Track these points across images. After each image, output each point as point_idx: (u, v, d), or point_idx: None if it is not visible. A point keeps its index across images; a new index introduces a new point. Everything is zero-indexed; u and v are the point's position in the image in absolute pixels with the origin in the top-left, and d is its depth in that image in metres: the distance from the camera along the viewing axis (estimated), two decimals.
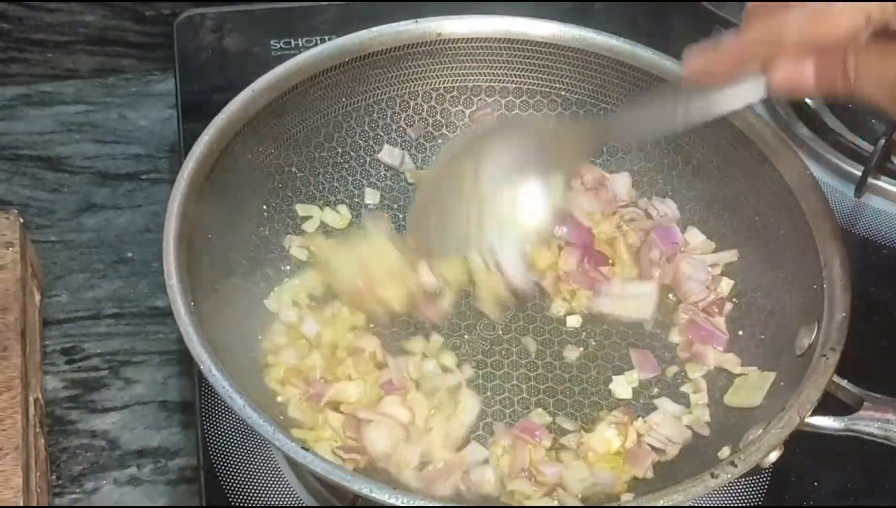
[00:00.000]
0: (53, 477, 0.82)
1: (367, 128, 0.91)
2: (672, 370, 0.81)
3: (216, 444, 0.78)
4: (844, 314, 0.70)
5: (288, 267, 0.84)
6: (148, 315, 0.93)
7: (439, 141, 0.93)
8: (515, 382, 0.80)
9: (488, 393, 0.79)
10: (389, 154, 0.91)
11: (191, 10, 1.11)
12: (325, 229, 0.87)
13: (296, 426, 0.73)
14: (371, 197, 0.90)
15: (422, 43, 0.88)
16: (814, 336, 0.71)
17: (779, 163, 0.80)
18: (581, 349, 0.82)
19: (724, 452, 0.70)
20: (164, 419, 0.86)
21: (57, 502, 0.81)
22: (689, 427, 0.76)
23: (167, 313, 0.69)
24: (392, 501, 0.60)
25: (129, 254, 0.98)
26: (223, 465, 0.77)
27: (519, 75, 0.91)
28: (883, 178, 0.97)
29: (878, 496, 0.79)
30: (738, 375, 0.78)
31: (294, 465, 0.77)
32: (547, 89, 0.91)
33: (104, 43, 1.15)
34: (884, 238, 0.95)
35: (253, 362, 0.77)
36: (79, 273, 0.96)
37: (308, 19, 1.10)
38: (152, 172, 1.06)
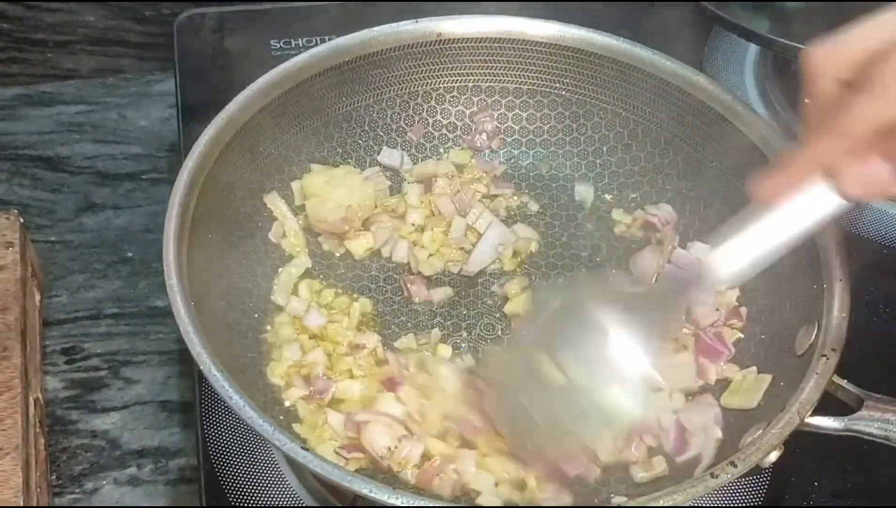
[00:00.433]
0: (53, 477, 0.82)
1: (367, 127, 0.91)
2: None
3: (216, 444, 0.78)
4: (844, 314, 0.70)
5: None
6: (148, 315, 0.93)
7: (439, 141, 0.93)
8: None
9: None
10: (389, 156, 0.91)
11: (191, 10, 1.11)
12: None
13: (297, 426, 0.73)
14: None
15: (422, 43, 0.88)
16: (814, 336, 0.71)
17: None
18: None
19: None
20: (164, 419, 0.86)
21: (57, 502, 0.81)
22: None
23: (167, 313, 0.68)
24: (392, 501, 0.60)
25: (129, 254, 0.98)
26: (223, 465, 0.77)
27: (519, 75, 0.91)
28: None
29: (878, 496, 0.79)
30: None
31: (294, 465, 0.77)
32: (547, 89, 0.91)
33: (104, 43, 1.15)
34: (884, 238, 0.95)
35: (253, 361, 0.77)
36: (79, 273, 0.96)
37: (308, 19, 1.10)
38: (152, 171, 1.06)
